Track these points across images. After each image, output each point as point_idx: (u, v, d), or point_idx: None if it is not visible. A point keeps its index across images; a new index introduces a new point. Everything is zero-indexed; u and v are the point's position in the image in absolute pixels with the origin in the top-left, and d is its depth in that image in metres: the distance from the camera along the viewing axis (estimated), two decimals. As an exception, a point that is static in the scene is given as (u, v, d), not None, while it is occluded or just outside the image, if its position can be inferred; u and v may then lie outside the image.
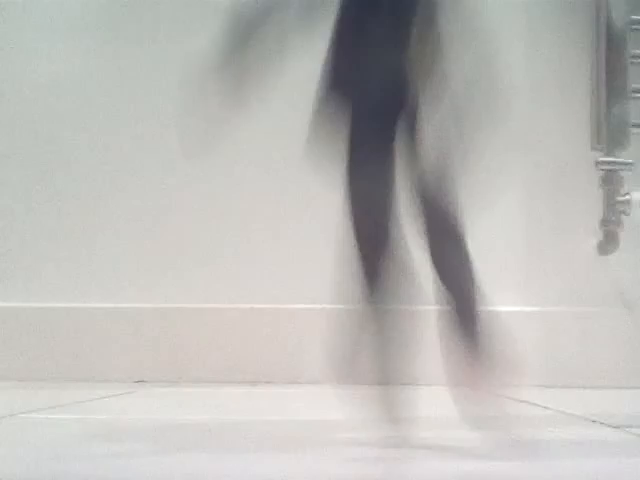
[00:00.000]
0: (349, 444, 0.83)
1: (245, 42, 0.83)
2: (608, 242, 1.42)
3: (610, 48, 1.41)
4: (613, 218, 1.41)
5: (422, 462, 0.75)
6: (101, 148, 1.59)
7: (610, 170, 1.41)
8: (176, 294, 1.54)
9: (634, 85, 1.42)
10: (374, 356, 0.81)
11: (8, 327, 1.54)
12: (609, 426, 0.97)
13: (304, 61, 0.82)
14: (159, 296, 1.54)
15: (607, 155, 1.41)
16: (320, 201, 1.06)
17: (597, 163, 1.41)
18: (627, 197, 1.40)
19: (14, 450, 0.79)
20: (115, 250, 1.56)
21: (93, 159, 1.58)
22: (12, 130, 1.61)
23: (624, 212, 1.40)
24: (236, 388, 1.42)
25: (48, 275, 1.57)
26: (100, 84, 1.59)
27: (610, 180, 1.41)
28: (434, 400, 0.82)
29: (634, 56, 1.43)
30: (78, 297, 1.55)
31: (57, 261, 1.57)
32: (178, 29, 1.56)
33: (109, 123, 1.59)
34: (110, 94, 1.59)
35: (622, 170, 1.41)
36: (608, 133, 1.41)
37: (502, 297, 1.51)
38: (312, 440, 0.85)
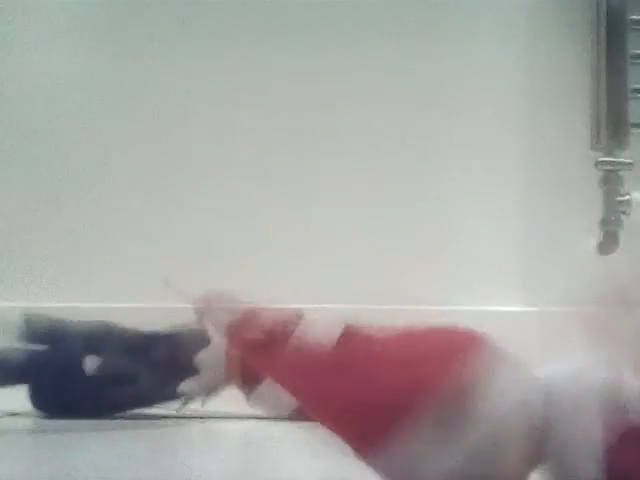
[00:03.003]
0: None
1: None
2: (608, 242, 1.42)
3: (610, 48, 1.41)
4: (613, 218, 1.41)
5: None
6: (102, 148, 1.58)
7: (610, 170, 1.41)
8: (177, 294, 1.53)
9: (634, 85, 1.42)
10: None
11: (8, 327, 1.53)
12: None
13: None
14: (160, 295, 1.53)
15: (607, 155, 1.41)
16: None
17: (597, 163, 1.41)
18: (627, 197, 1.40)
19: (14, 450, 0.79)
20: (116, 249, 1.56)
21: (94, 159, 1.58)
22: (12, 130, 1.60)
23: (624, 212, 1.40)
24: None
25: (48, 275, 1.56)
26: (101, 83, 1.59)
27: (610, 180, 1.41)
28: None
29: (634, 56, 1.43)
30: (78, 297, 1.55)
31: (57, 261, 1.57)
32: (181, 29, 1.56)
33: (110, 123, 1.59)
34: (111, 94, 1.59)
35: (622, 170, 1.41)
36: (608, 133, 1.41)
37: (502, 297, 1.51)
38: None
